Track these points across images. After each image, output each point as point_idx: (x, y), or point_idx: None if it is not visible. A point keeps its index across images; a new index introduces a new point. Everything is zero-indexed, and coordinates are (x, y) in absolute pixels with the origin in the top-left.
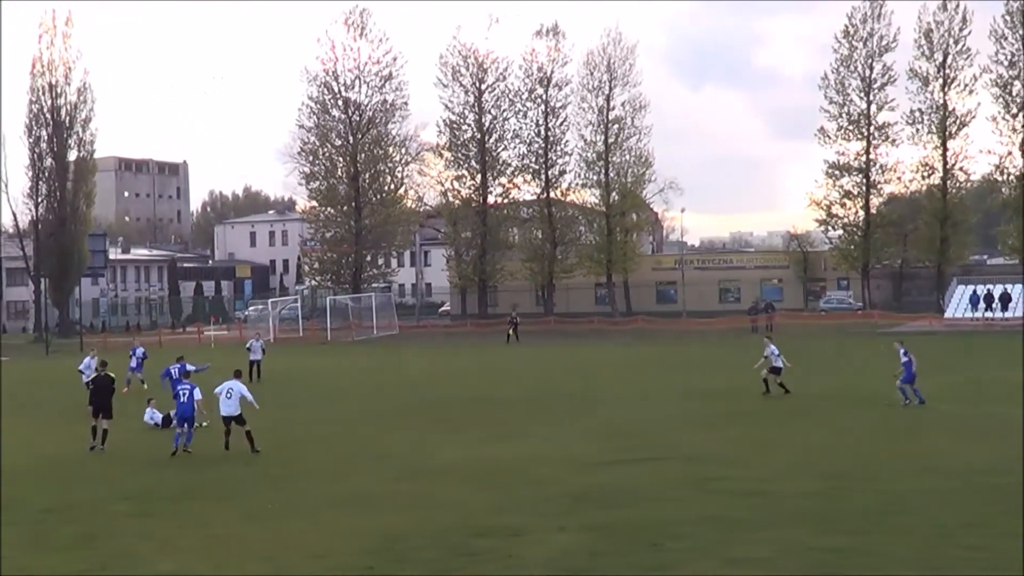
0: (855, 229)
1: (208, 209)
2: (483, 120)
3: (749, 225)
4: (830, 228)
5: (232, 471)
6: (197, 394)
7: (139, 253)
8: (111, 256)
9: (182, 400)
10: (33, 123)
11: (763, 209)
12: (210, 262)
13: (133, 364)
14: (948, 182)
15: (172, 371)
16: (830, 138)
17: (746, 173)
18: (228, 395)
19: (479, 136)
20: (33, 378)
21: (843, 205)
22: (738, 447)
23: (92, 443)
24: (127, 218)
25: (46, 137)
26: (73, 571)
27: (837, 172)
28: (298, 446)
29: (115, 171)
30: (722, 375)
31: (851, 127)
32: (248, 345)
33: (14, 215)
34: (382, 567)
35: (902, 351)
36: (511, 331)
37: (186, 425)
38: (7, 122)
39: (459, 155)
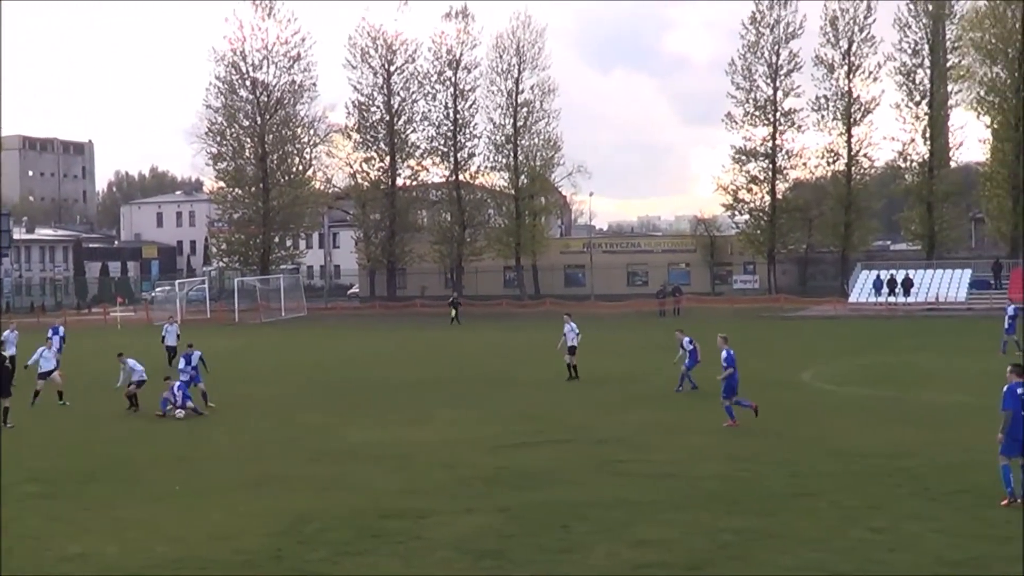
0: (761, 214)
1: (114, 189)
2: (392, 102)
3: (657, 209)
4: (737, 213)
5: (139, 452)
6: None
7: (44, 233)
8: (15, 236)
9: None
10: None
11: (671, 194)
12: (116, 243)
13: (56, 345)
14: (852, 168)
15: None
16: (737, 123)
17: (655, 157)
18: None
19: (388, 118)
20: None
21: (749, 190)
22: (647, 431)
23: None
24: (31, 197)
25: None
26: None
27: (744, 157)
28: (206, 428)
29: (19, 150)
30: (630, 359)
31: (757, 113)
32: (163, 331)
33: None
34: (290, 548)
35: (686, 340)
36: (454, 313)
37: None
38: None
39: (368, 137)
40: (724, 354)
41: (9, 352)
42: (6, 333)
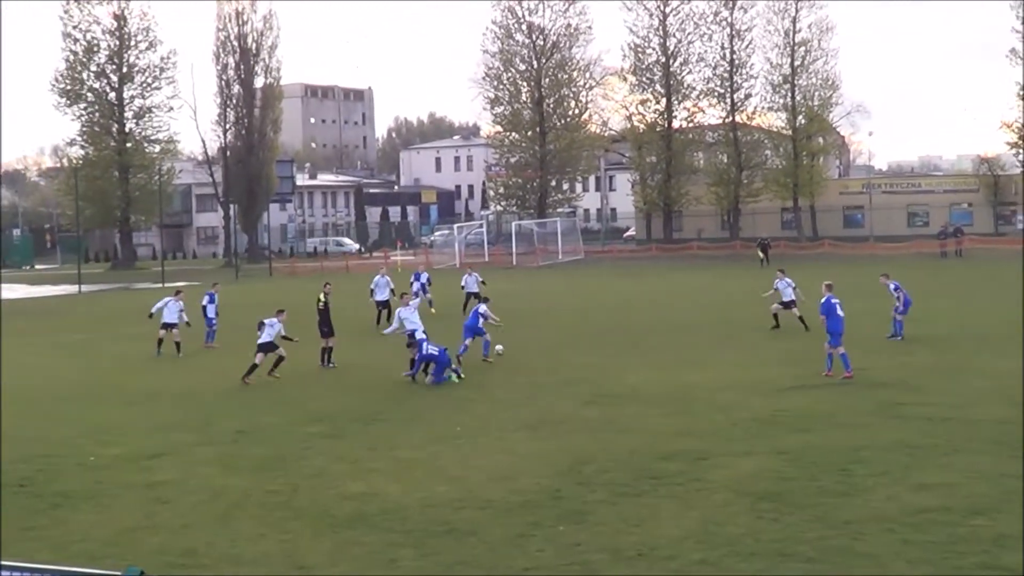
0: None
1: (394, 135)
2: (667, 44)
3: (938, 149)
4: (1021, 151)
5: (421, 395)
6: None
7: (326, 179)
8: (298, 182)
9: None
10: (220, 50)
11: (953, 132)
12: (396, 188)
13: (416, 288)
14: None
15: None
16: (1022, 58)
17: (936, 95)
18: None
19: (664, 60)
20: (225, 302)
21: None
22: (927, 374)
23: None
24: (313, 144)
25: (233, 64)
26: (264, 490)
27: None
28: (486, 370)
29: (301, 98)
30: (912, 301)
31: None
32: (373, 283)
33: (203, 142)
34: (568, 490)
35: (892, 285)
36: (762, 255)
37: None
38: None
39: (643, 79)
40: (823, 301)
41: (381, 297)
42: (376, 278)
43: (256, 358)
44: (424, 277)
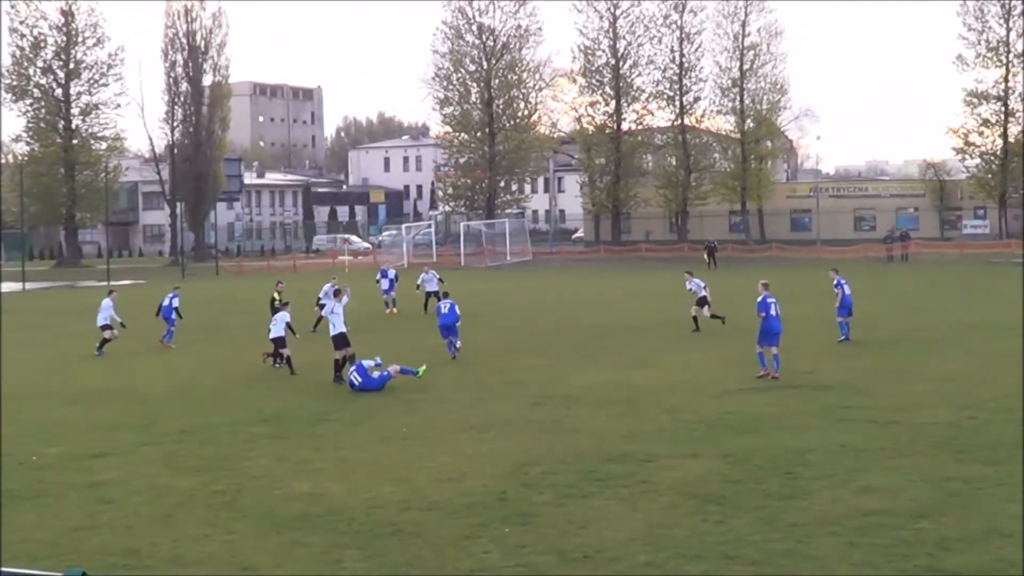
0: (993, 158)
1: (342, 134)
2: (617, 46)
3: (884, 153)
4: (967, 157)
5: (366, 396)
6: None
7: (274, 178)
8: (246, 181)
9: (443, 311)
10: (169, 47)
11: (899, 137)
12: (344, 187)
13: (385, 286)
14: None
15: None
16: (968, 65)
17: (882, 100)
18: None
19: (613, 62)
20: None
21: (981, 133)
22: (873, 377)
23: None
24: (262, 143)
25: (181, 62)
26: (209, 491)
27: (975, 100)
28: (432, 371)
29: (250, 96)
30: (858, 304)
31: (990, 54)
32: (420, 280)
33: (150, 139)
34: (515, 491)
35: (835, 281)
36: (707, 256)
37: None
38: (145, 46)
39: (593, 81)
40: (759, 300)
41: (431, 288)
42: (423, 275)
43: (336, 355)
44: (392, 274)
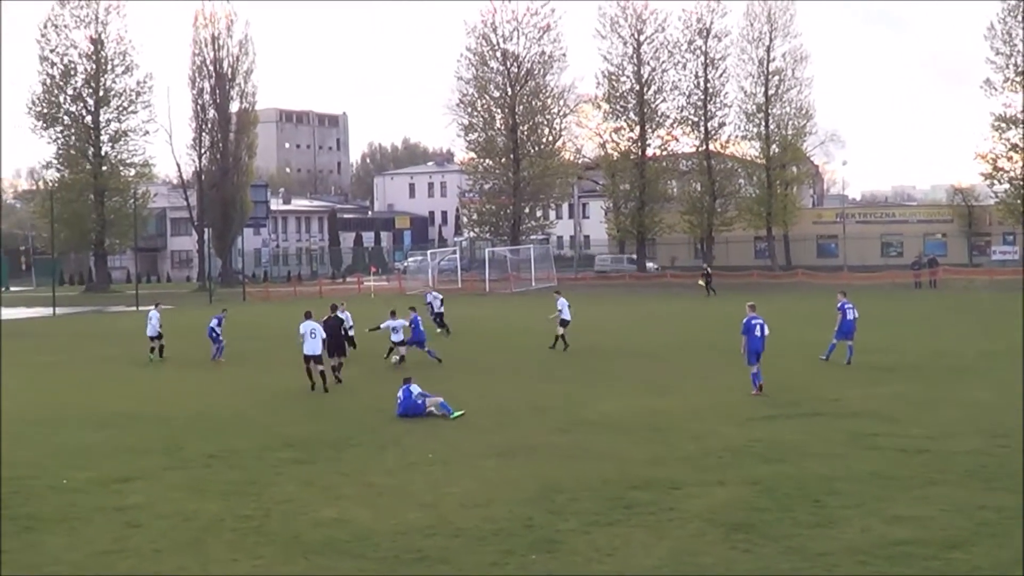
0: (1022, 183)
1: (368, 160)
2: (642, 71)
3: (912, 179)
4: (996, 182)
5: (392, 420)
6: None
7: (300, 204)
8: (272, 207)
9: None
10: (196, 75)
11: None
12: (369, 213)
13: (437, 307)
14: None
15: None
16: (996, 90)
17: (909, 125)
18: (312, 335)
19: (638, 88)
20: (199, 325)
21: (1009, 158)
22: (900, 404)
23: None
24: (288, 169)
25: (209, 89)
26: (236, 515)
27: (1003, 125)
28: (457, 396)
29: (276, 122)
30: (885, 330)
31: (1018, 79)
32: (428, 299)
33: (178, 166)
34: (540, 518)
35: (839, 304)
36: (703, 283)
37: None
38: (172, 73)
39: (617, 107)
40: (745, 320)
41: (439, 310)
42: (430, 295)
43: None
44: (438, 299)
